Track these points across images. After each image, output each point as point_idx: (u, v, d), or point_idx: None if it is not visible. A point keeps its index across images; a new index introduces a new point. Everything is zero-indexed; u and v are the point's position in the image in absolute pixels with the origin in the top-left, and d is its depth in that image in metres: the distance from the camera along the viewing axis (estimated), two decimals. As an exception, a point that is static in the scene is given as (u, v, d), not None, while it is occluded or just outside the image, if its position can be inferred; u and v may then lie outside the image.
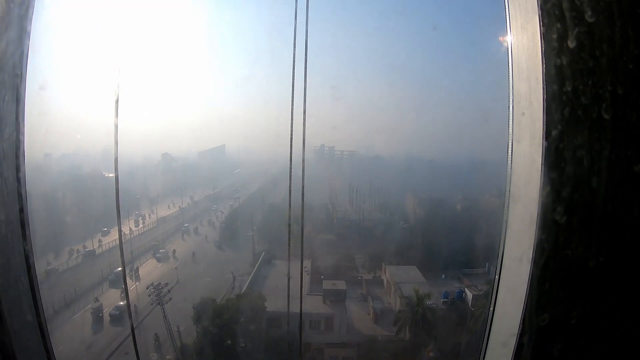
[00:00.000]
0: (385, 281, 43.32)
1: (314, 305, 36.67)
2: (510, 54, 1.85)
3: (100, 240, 48.58)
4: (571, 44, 1.57)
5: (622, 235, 1.59)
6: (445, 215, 60.84)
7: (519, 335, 1.70)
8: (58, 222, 43.90)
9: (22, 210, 1.92)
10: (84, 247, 47.79)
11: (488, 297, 2.04)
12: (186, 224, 61.30)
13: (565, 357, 1.68)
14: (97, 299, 40.21)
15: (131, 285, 39.55)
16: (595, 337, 1.65)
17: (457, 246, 47.75)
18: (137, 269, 44.82)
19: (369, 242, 53.02)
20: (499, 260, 1.93)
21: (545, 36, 1.61)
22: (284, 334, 31.42)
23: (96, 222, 47.31)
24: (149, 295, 36.80)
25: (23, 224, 1.93)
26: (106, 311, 38.43)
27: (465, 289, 39.56)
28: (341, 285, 40.54)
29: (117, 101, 3.94)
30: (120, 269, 41.80)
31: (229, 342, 32.09)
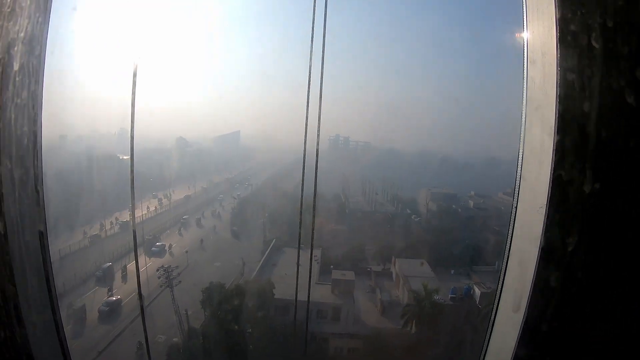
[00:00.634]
0: (394, 274, 43.34)
1: (323, 294, 36.96)
2: (526, 44, 1.79)
3: (113, 221, 49.56)
4: (589, 33, 1.51)
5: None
6: (457, 211, 60.56)
7: (519, 336, 1.70)
8: (73, 203, 44.69)
9: (37, 191, 1.96)
10: (101, 225, 48.82)
11: (494, 295, 2.03)
12: (200, 210, 62.03)
13: (568, 358, 1.67)
14: (104, 279, 40.70)
15: (142, 266, 40.14)
16: (600, 340, 1.64)
17: (467, 242, 47.55)
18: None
19: (379, 234, 53.05)
20: (504, 259, 1.92)
21: (560, 23, 1.55)
22: (291, 322, 31.72)
23: (110, 205, 48.13)
24: (159, 278, 37.51)
25: (38, 204, 1.97)
26: (116, 291, 39.15)
27: (474, 286, 39.35)
28: (350, 276, 40.73)
29: (134, 84, 3.96)
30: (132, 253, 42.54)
31: (236, 326, 32.53)
